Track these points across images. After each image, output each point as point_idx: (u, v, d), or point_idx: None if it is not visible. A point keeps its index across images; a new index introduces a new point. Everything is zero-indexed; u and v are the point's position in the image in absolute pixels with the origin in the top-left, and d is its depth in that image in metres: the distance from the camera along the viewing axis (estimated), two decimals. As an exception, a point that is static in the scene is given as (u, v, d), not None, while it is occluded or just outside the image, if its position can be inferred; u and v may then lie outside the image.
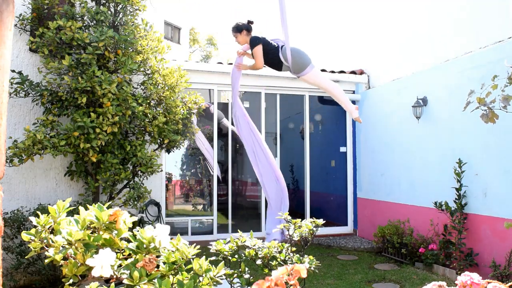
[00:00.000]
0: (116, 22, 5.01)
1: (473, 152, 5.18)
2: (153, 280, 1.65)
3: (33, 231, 1.76)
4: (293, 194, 10.22)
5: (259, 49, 4.31)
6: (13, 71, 4.64)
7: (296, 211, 8.42)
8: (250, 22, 4.47)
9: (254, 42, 4.35)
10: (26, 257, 2.46)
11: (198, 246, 1.91)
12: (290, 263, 3.03)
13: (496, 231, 4.86)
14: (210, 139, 7.87)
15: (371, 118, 7.45)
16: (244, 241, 3.03)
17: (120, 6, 5.01)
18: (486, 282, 1.42)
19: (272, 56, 4.38)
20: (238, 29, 4.46)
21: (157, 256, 1.76)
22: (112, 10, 5.03)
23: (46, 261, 1.74)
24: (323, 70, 7.66)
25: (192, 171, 9.47)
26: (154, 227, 1.82)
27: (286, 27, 4.24)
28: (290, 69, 4.39)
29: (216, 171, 7.58)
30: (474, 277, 1.44)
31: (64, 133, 4.40)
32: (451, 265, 5.20)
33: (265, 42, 4.38)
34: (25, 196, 4.89)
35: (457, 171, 5.22)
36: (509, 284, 1.46)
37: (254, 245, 3.01)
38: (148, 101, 5.05)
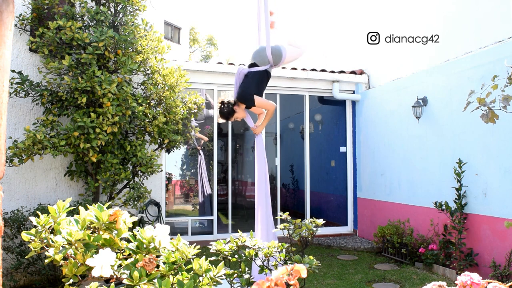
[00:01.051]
0: (116, 22, 5.01)
1: (473, 152, 5.18)
2: (153, 280, 1.65)
3: (33, 231, 1.76)
4: (293, 194, 10.23)
5: (257, 98, 3.94)
6: (13, 71, 4.64)
7: (296, 211, 8.43)
8: (223, 102, 4.04)
9: (249, 99, 3.94)
10: (26, 257, 2.46)
11: (198, 246, 1.91)
12: (290, 263, 3.03)
13: (496, 231, 4.86)
14: (210, 139, 7.88)
15: (371, 118, 7.45)
16: (244, 241, 3.03)
17: (120, 6, 5.02)
18: (486, 282, 1.42)
19: (261, 79, 4.02)
20: (230, 112, 4.02)
21: (157, 256, 1.76)
22: (112, 10, 5.03)
23: (46, 261, 1.74)
24: (323, 70, 7.67)
25: (192, 171, 9.46)
26: (154, 227, 1.82)
27: (268, 25, 3.95)
28: (272, 65, 4.08)
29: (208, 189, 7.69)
30: (474, 277, 1.44)
31: (64, 133, 4.40)
32: (451, 265, 5.20)
33: (251, 86, 3.97)
34: (25, 196, 4.89)
35: (457, 171, 5.22)
36: (509, 284, 1.46)
37: (254, 245, 3.01)
38: (148, 101, 5.05)
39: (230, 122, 7.80)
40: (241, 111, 4.02)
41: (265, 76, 4.02)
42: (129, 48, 4.84)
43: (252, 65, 4.00)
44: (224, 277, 2.52)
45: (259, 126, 4.20)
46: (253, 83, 3.97)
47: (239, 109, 4.01)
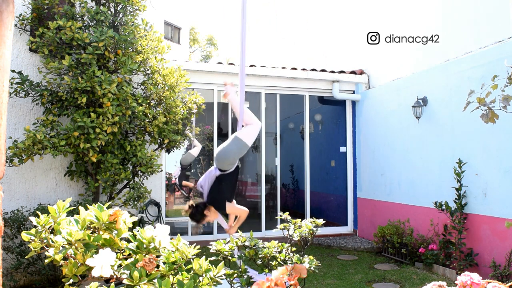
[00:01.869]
0: (116, 22, 5.01)
1: (473, 152, 5.18)
2: (153, 280, 1.65)
3: (33, 231, 1.76)
4: (293, 194, 10.23)
5: (229, 206, 3.75)
6: (13, 71, 4.63)
7: (296, 211, 8.42)
8: (193, 206, 3.77)
9: (221, 206, 3.73)
10: (26, 257, 2.46)
11: (198, 246, 1.91)
12: (290, 263, 3.03)
13: (496, 231, 4.86)
14: (210, 139, 7.88)
15: (371, 118, 7.45)
16: (244, 241, 3.03)
17: (120, 6, 5.01)
18: (486, 282, 1.43)
19: (233, 180, 3.79)
20: (202, 218, 3.75)
21: (157, 256, 1.76)
22: (112, 10, 5.03)
23: (46, 261, 1.74)
24: (323, 70, 7.67)
25: (192, 171, 9.46)
26: (154, 227, 1.82)
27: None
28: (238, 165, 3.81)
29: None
30: (474, 277, 1.44)
31: (64, 133, 4.40)
32: (451, 265, 5.20)
33: (223, 191, 3.71)
34: (25, 196, 4.89)
35: (457, 171, 5.22)
36: (509, 284, 1.46)
37: (254, 245, 3.01)
38: (148, 101, 5.05)
39: (230, 122, 7.82)
40: (213, 213, 3.81)
41: (236, 173, 3.82)
42: (129, 48, 4.83)
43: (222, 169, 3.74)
44: (224, 277, 2.52)
45: (233, 227, 3.99)
46: (225, 187, 3.74)
47: (210, 212, 3.78)
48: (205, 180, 3.79)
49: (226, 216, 4.09)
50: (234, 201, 3.87)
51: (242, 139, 3.64)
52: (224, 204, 3.71)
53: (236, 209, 3.84)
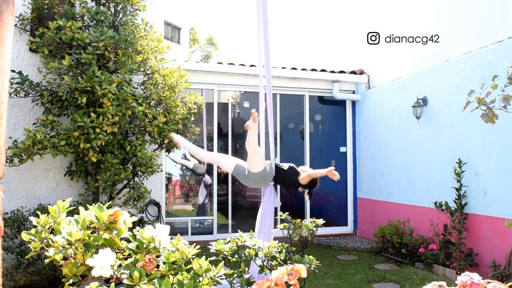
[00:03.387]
0: (116, 22, 5.01)
1: (473, 152, 5.18)
2: (153, 280, 1.65)
3: (33, 231, 1.76)
4: (293, 194, 10.22)
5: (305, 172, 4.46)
6: (13, 71, 4.63)
7: (296, 211, 8.42)
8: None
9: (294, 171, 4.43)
10: (26, 257, 2.46)
11: (198, 246, 1.91)
12: (290, 263, 3.02)
13: (496, 231, 4.86)
14: (210, 139, 7.88)
15: (371, 118, 7.45)
16: (244, 241, 3.03)
17: (120, 6, 5.01)
18: (486, 282, 1.43)
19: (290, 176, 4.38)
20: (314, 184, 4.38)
21: (157, 256, 1.76)
22: (112, 10, 5.03)
23: (46, 261, 1.74)
24: (323, 70, 7.67)
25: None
26: (154, 227, 1.82)
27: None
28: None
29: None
30: (474, 277, 1.44)
31: (64, 133, 4.40)
32: (451, 265, 5.20)
33: (289, 173, 4.45)
34: (25, 196, 4.89)
35: (457, 171, 5.22)
36: (509, 284, 1.46)
37: (254, 245, 3.01)
38: (148, 101, 5.05)
39: (230, 122, 7.81)
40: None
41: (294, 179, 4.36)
42: (129, 48, 4.83)
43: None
44: (224, 277, 2.52)
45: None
46: (284, 178, 4.46)
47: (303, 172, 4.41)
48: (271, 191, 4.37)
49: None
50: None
51: (250, 170, 4.30)
52: (296, 177, 4.33)
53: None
